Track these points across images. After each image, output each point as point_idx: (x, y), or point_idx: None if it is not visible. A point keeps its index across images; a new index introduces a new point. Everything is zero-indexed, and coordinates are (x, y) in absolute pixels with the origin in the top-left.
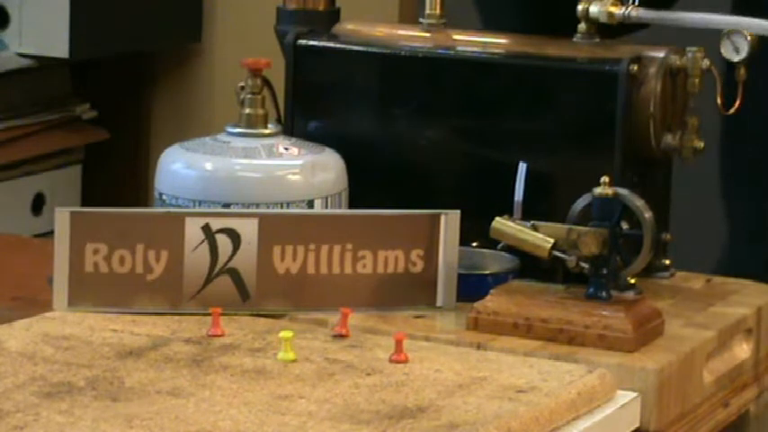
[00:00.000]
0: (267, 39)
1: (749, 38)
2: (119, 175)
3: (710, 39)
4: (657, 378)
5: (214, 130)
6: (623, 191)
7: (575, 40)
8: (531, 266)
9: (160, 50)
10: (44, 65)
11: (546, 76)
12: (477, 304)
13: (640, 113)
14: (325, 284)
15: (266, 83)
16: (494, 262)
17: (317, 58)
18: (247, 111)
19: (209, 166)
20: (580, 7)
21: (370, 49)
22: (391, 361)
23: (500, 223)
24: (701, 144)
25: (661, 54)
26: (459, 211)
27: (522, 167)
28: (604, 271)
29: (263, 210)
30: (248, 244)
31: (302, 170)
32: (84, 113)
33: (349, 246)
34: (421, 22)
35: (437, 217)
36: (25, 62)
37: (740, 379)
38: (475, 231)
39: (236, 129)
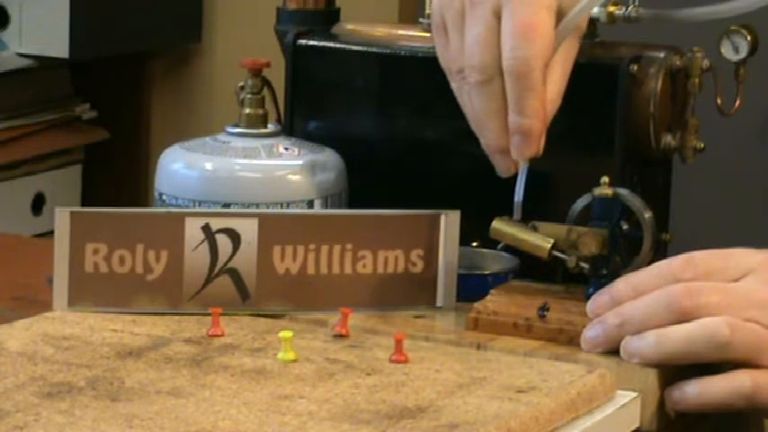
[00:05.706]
0: (267, 39)
1: (749, 37)
2: (119, 175)
3: (710, 39)
4: (657, 378)
5: (214, 130)
6: (623, 191)
7: None
8: (531, 266)
9: (160, 50)
10: (44, 65)
11: None
12: (477, 304)
13: (640, 113)
14: (325, 284)
15: (266, 83)
16: (494, 262)
17: (317, 58)
18: (247, 111)
19: (209, 166)
20: None
21: (370, 49)
22: (391, 361)
23: (500, 223)
24: (701, 144)
25: (661, 54)
26: (459, 211)
27: (523, 167)
28: (604, 271)
29: (263, 210)
30: (248, 244)
31: (302, 170)
32: (84, 113)
33: (349, 246)
34: (421, 22)
35: (437, 217)
36: (25, 62)
37: None
38: (475, 231)
39: (236, 129)
